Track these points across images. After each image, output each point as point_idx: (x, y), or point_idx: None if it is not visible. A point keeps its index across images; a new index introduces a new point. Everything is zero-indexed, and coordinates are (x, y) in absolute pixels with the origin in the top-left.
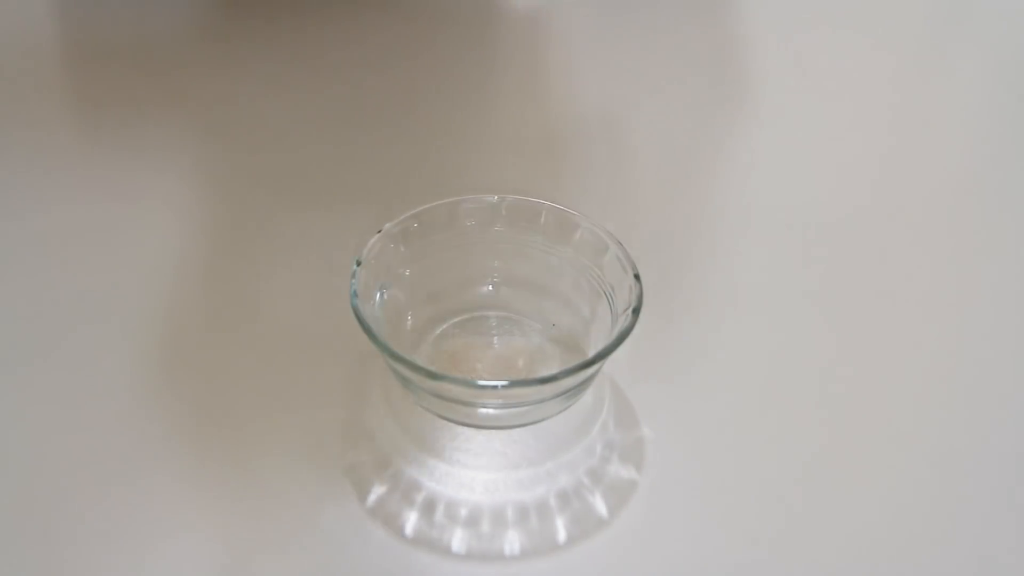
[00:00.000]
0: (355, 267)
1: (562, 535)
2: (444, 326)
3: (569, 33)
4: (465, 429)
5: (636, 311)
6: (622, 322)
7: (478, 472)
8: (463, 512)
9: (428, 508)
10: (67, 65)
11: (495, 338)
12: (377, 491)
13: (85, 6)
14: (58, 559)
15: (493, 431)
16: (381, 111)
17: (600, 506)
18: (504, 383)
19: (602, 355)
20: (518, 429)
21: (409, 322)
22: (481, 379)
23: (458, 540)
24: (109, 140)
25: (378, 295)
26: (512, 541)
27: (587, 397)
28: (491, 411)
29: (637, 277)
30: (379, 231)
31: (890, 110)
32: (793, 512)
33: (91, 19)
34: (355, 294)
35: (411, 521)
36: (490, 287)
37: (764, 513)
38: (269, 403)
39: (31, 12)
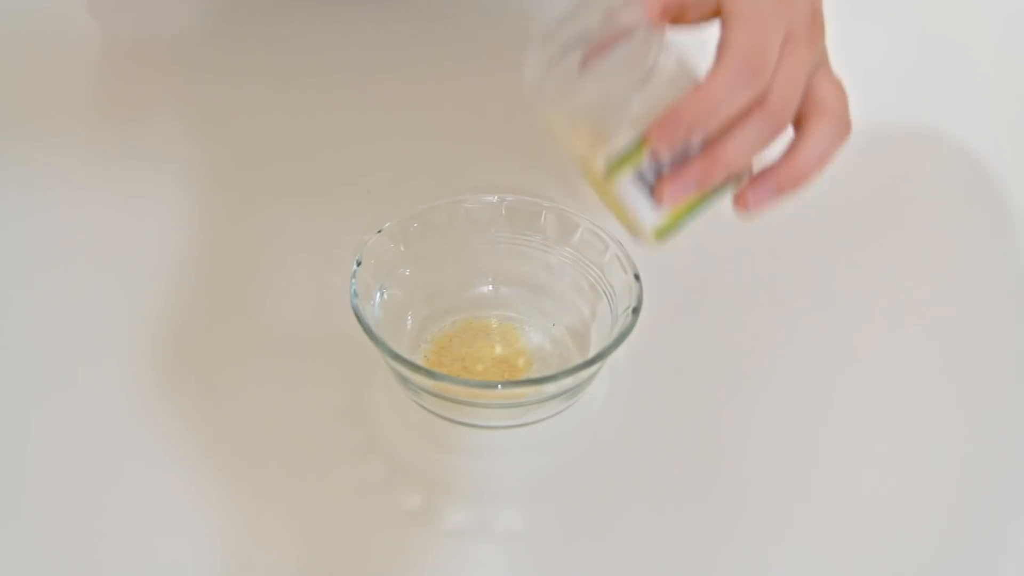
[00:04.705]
0: (355, 267)
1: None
2: (444, 326)
3: None
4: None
5: (636, 311)
6: (622, 322)
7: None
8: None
9: (428, 503)
10: (67, 65)
11: (495, 338)
12: (377, 489)
13: (85, 7)
14: (59, 558)
15: (492, 430)
16: (381, 111)
17: None
18: (503, 383)
19: (602, 355)
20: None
21: (409, 322)
22: (481, 379)
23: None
24: (109, 140)
25: (378, 295)
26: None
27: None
28: (490, 411)
29: (637, 277)
30: (379, 231)
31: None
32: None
33: (91, 20)
34: (355, 294)
35: (412, 515)
36: (490, 287)
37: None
38: (268, 402)
39: (31, 13)
